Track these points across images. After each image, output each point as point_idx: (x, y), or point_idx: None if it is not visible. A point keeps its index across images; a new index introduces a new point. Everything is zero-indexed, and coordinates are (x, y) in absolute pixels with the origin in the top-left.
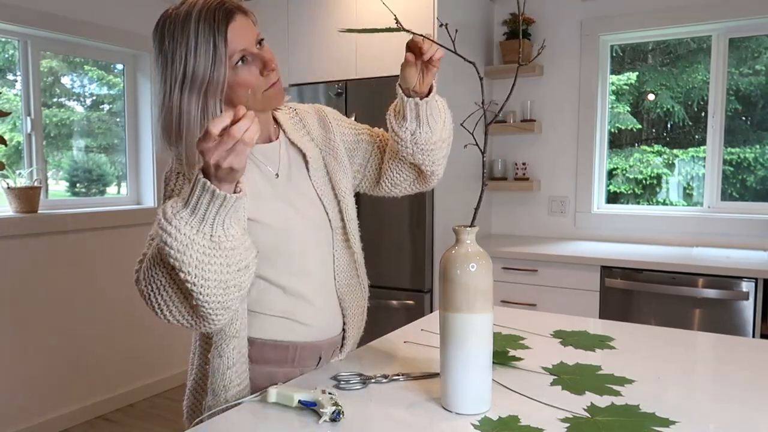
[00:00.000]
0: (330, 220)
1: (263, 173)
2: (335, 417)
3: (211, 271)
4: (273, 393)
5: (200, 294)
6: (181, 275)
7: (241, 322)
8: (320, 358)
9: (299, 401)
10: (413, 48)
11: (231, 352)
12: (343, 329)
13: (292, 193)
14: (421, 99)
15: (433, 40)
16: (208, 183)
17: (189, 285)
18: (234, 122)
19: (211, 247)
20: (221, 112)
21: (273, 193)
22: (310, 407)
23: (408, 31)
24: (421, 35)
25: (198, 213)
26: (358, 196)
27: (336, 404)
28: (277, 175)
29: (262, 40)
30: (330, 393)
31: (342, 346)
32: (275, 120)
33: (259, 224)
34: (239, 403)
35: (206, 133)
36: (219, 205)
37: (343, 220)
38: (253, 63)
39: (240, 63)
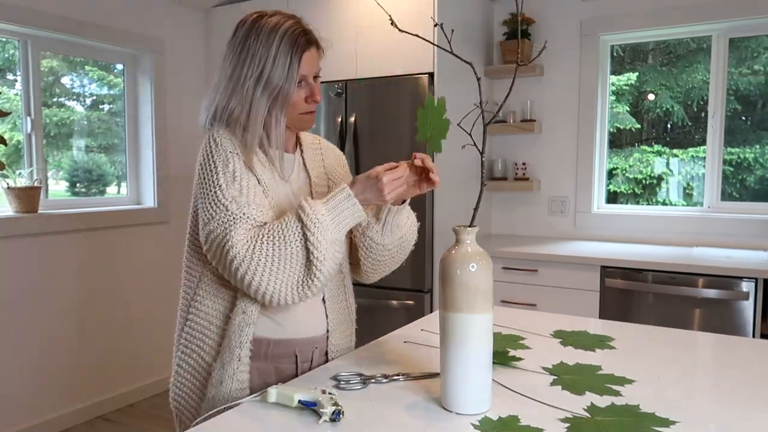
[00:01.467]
0: None
1: (274, 175)
2: (335, 417)
3: (331, 256)
4: (273, 393)
5: (319, 269)
6: (314, 251)
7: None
8: (296, 356)
9: (299, 401)
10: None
11: (254, 311)
12: (327, 330)
13: (297, 195)
14: (393, 204)
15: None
16: (357, 202)
17: (315, 262)
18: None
19: (340, 242)
20: (283, 119)
21: (285, 186)
22: (310, 407)
23: (405, 32)
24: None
25: (339, 218)
26: None
27: (336, 404)
28: (287, 179)
29: (319, 75)
30: (330, 393)
31: (327, 349)
32: (297, 138)
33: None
34: (238, 404)
35: (396, 172)
36: (355, 218)
37: None
38: (304, 89)
39: (297, 84)
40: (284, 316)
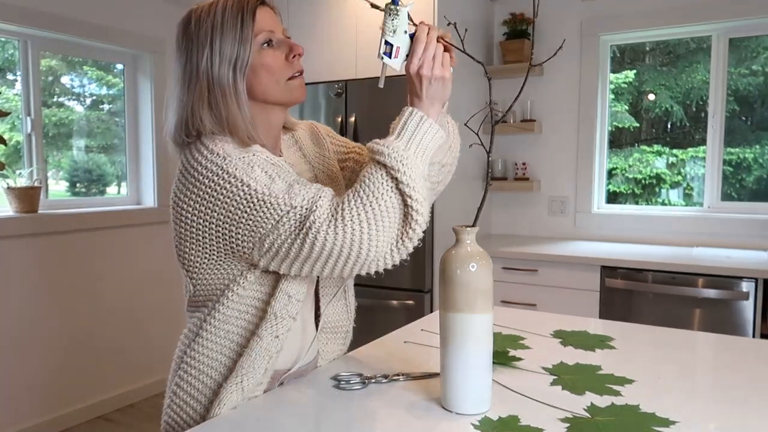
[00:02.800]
0: None
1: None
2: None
3: (424, 193)
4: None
5: (419, 212)
6: (408, 200)
7: (293, 306)
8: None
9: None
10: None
11: (285, 333)
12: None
13: None
14: None
15: (446, 41)
16: (423, 115)
17: (411, 211)
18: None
19: (427, 175)
20: (246, 95)
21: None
22: (390, 45)
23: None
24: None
25: (420, 148)
26: None
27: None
28: None
29: (289, 38)
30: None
31: (319, 358)
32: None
33: None
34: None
35: (426, 54)
36: (437, 139)
37: None
38: (279, 48)
39: (266, 46)
40: (296, 340)
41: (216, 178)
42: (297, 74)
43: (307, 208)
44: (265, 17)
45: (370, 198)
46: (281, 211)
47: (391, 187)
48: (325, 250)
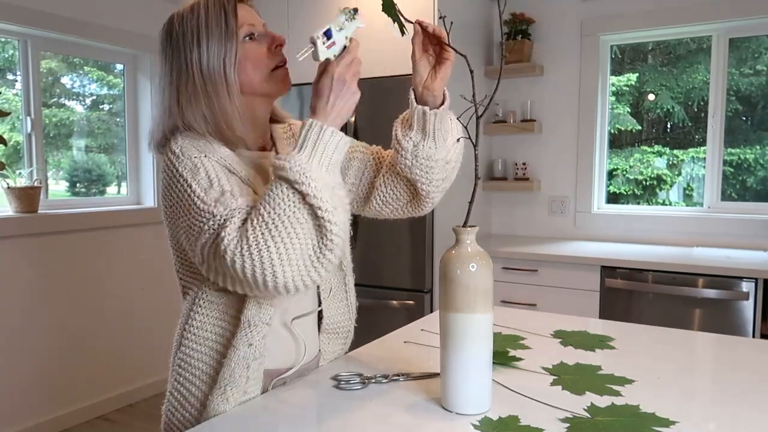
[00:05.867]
0: None
1: (249, 184)
2: (352, 15)
3: (342, 202)
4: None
5: (332, 222)
6: (319, 212)
7: (265, 312)
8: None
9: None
10: (419, 30)
11: (261, 340)
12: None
13: None
14: (431, 109)
15: (445, 43)
16: (322, 125)
17: (324, 222)
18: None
19: (340, 185)
20: (238, 87)
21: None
22: (329, 35)
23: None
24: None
25: (324, 157)
26: None
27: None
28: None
29: (267, 29)
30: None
31: (321, 357)
32: (271, 134)
33: None
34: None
35: (343, 61)
36: (340, 147)
37: None
38: (261, 40)
39: (248, 39)
40: (291, 341)
41: (171, 176)
42: (281, 64)
43: (219, 225)
44: (244, 12)
45: (273, 216)
46: (205, 218)
47: (297, 201)
48: (236, 272)
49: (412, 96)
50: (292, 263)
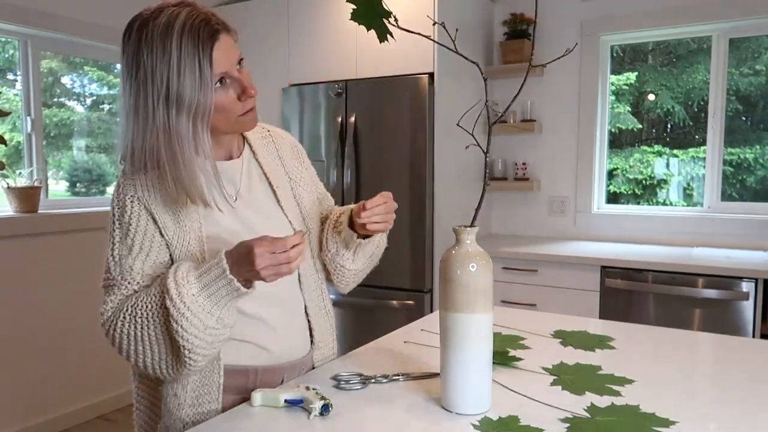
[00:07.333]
0: None
1: (221, 193)
2: (324, 411)
3: (207, 341)
4: (258, 397)
5: (191, 358)
6: (180, 341)
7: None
8: (283, 381)
9: (285, 401)
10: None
11: (185, 388)
12: (312, 344)
13: (252, 213)
14: (358, 237)
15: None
16: (234, 279)
17: (184, 351)
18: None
19: (216, 327)
20: (209, 137)
21: (231, 211)
22: (298, 405)
23: (407, 30)
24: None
25: (214, 297)
26: (360, 190)
27: (323, 398)
28: (235, 198)
29: (242, 60)
30: (314, 388)
31: (313, 365)
32: (243, 136)
33: (217, 243)
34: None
35: (276, 243)
36: (234, 296)
37: (311, 242)
38: (231, 86)
39: (218, 84)
40: (269, 337)
41: (111, 201)
42: (249, 109)
43: (111, 283)
44: (222, 52)
45: (144, 323)
46: (110, 264)
47: (164, 328)
48: (104, 332)
49: (347, 217)
50: (147, 363)
